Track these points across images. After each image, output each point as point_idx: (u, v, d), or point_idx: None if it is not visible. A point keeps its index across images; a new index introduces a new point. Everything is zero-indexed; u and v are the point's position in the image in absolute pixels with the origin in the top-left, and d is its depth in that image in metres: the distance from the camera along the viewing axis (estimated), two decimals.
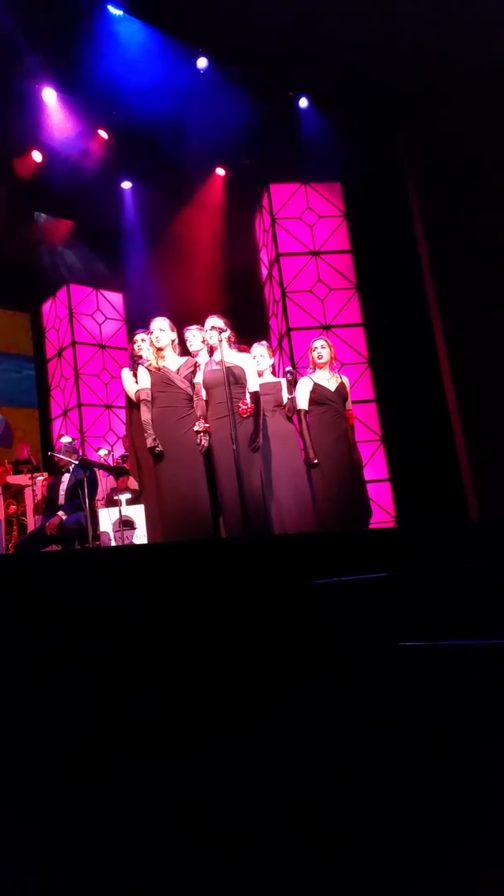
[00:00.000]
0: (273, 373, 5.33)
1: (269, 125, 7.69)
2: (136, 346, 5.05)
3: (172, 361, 4.69)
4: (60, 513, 5.64)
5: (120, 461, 6.85)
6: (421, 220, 7.75)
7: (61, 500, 5.78)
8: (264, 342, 5.33)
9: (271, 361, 5.27)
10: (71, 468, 5.85)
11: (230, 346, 4.68)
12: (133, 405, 4.82)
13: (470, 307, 7.18)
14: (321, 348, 5.29)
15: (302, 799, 1.68)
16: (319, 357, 5.27)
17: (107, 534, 5.57)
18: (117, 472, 6.28)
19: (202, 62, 7.52)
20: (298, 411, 5.11)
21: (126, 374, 4.97)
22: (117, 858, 1.56)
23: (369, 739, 1.83)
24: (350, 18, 6.67)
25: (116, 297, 9.66)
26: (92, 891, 1.50)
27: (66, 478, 5.87)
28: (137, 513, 5.11)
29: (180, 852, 1.56)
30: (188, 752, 1.79)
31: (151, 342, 4.72)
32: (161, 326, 4.70)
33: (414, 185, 7.83)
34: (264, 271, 8.84)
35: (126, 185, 9.02)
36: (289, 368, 5.77)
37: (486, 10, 6.37)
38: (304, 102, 8.13)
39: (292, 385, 5.20)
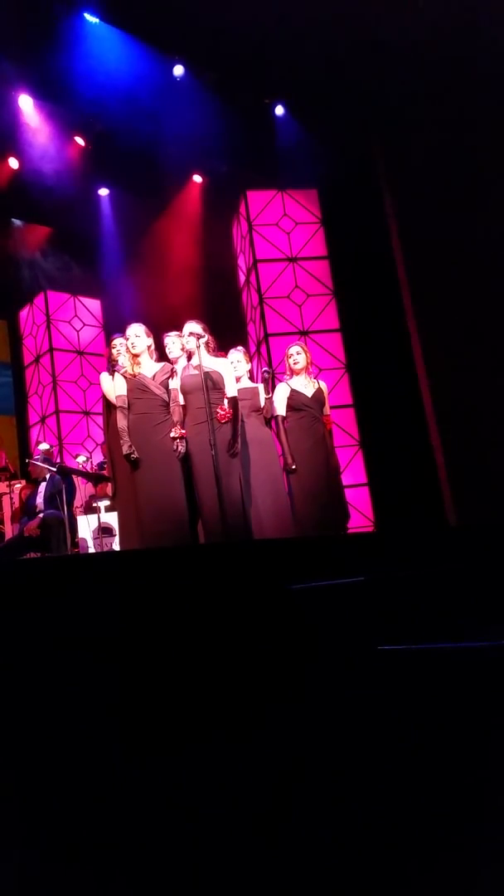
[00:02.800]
0: (251, 378, 5.34)
1: (246, 132, 7.72)
2: (114, 351, 5.04)
3: (148, 368, 4.69)
4: (41, 514, 5.60)
5: (98, 468, 6.82)
6: (397, 227, 7.81)
7: (39, 507, 5.74)
8: (241, 348, 5.33)
9: (248, 367, 5.29)
10: (47, 476, 5.82)
11: (209, 351, 4.69)
12: (111, 409, 4.82)
13: (445, 312, 7.25)
14: (297, 354, 5.32)
15: (286, 799, 1.69)
16: (296, 363, 5.29)
17: (85, 540, 5.55)
18: (96, 478, 6.26)
19: (178, 69, 7.54)
20: (276, 417, 5.13)
21: (105, 377, 4.96)
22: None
23: (350, 742, 1.84)
24: (325, 26, 6.72)
25: (94, 304, 9.64)
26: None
27: (43, 486, 5.84)
28: (116, 519, 5.09)
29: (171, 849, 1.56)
30: (170, 756, 1.80)
31: (127, 348, 4.71)
32: (136, 332, 4.69)
33: (389, 191, 7.90)
34: (242, 277, 8.87)
35: (103, 191, 9.01)
36: (265, 368, 5.78)
37: (462, 18, 6.45)
38: (279, 110, 8.17)
39: (268, 383, 5.21)
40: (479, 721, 1.83)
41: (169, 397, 4.65)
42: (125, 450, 4.45)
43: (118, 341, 5.04)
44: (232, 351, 5.18)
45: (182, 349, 4.87)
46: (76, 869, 1.52)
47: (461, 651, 2.06)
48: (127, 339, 4.72)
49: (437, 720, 1.86)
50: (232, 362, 5.01)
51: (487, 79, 6.68)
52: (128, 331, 4.73)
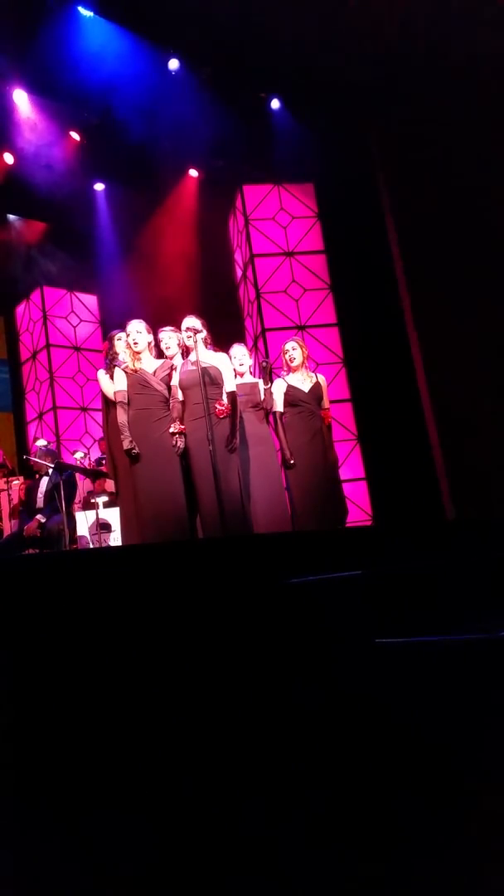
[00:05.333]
0: (251, 373, 5.35)
1: (242, 126, 7.71)
2: (118, 342, 5.00)
3: (149, 364, 4.69)
4: (39, 516, 5.60)
5: (95, 464, 6.82)
6: (393, 220, 7.80)
7: (39, 503, 5.74)
8: (243, 344, 5.36)
9: (250, 362, 5.30)
10: (49, 471, 5.82)
11: (206, 346, 4.69)
12: (110, 406, 4.81)
13: (442, 306, 7.25)
14: (293, 350, 5.31)
15: (285, 793, 1.70)
16: (292, 360, 5.29)
17: (84, 537, 5.55)
18: (94, 474, 6.26)
19: (174, 63, 7.52)
20: (274, 413, 5.14)
21: (102, 375, 4.95)
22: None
23: (346, 736, 1.85)
24: (321, 20, 6.70)
25: (91, 299, 9.61)
26: None
27: (44, 481, 5.84)
28: (114, 515, 5.10)
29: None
30: (169, 754, 1.80)
31: (128, 344, 4.71)
32: (138, 329, 4.69)
33: (386, 185, 7.88)
34: (239, 272, 8.86)
35: (99, 186, 8.99)
36: (263, 360, 5.78)
37: (456, 9, 6.44)
38: (275, 104, 8.15)
39: (266, 373, 5.21)
40: (476, 714, 1.84)
41: (169, 393, 4.66)
42: (126, 444, 4.46)
43: (119, 335, 5.00)
44: (235, 346, 5.19)
45: (179, 345, 4.86)
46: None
47: (458, 644, 2.06)
48: (128, 335, 4.72)
49: (434, 713, 1.87)
50: (236, 357, 5.03)
51: (486, 73, 6.67)
52: (129, 327, 4.73)
